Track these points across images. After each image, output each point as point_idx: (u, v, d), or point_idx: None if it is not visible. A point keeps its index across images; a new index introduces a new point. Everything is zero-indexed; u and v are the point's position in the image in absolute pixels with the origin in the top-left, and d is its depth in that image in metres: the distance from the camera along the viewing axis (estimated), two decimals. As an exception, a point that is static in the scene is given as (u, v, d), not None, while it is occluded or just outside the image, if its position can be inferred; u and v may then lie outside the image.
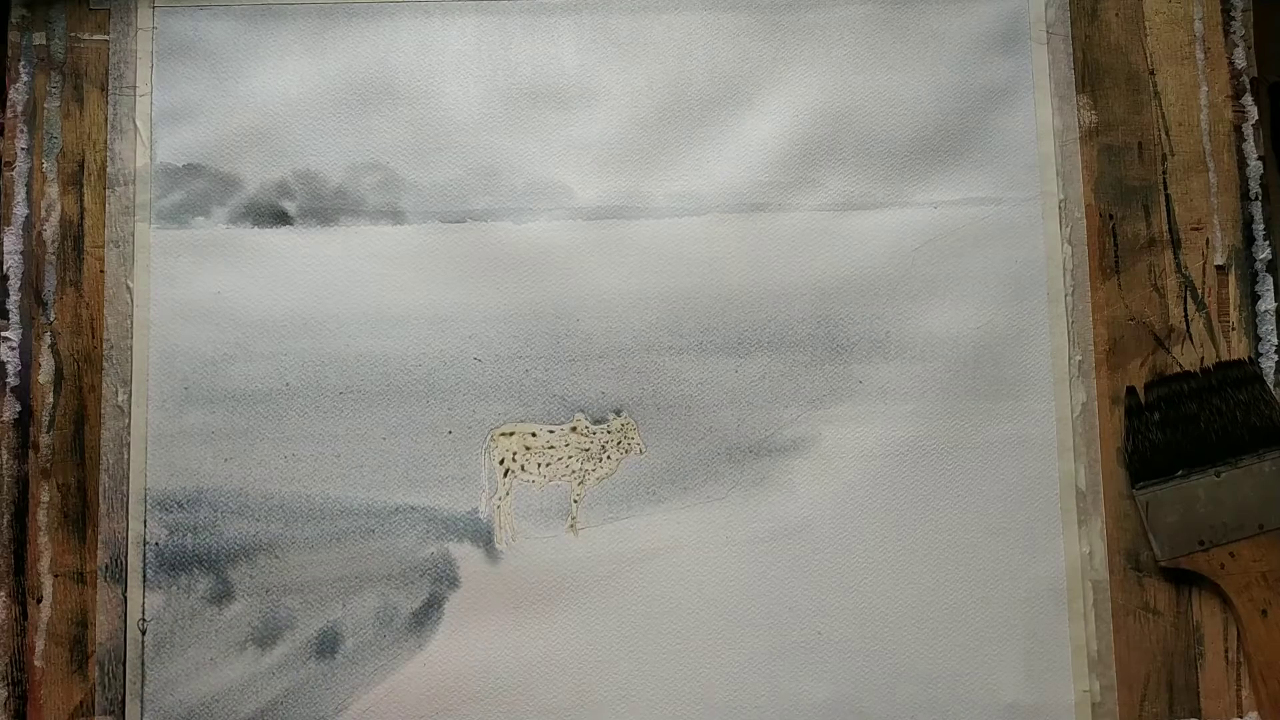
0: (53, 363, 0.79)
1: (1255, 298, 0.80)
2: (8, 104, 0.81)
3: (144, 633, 0.77)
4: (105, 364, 0.79)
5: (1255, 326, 0.80)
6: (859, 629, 0.77)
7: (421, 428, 0.79)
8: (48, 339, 0.79)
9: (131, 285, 0.80)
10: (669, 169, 0.81)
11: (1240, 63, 0.81)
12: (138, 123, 0.81)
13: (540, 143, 0.81)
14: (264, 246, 0.80)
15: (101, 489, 0.78)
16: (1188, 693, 0.77)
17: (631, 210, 0.81)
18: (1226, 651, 0.77)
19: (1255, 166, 0.80)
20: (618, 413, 0.79)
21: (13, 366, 0.79)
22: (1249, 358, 0.79)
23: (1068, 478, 0.78)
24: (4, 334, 0.79)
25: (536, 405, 0.80)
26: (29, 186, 0.80)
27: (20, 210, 0.80)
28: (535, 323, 0.80)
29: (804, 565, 0.78)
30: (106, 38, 0.81)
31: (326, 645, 0.77)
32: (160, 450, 0.78)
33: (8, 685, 0.77)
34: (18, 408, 0.79)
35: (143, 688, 0.77)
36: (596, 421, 0.79)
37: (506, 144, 0.81)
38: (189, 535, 0.78)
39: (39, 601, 0.77)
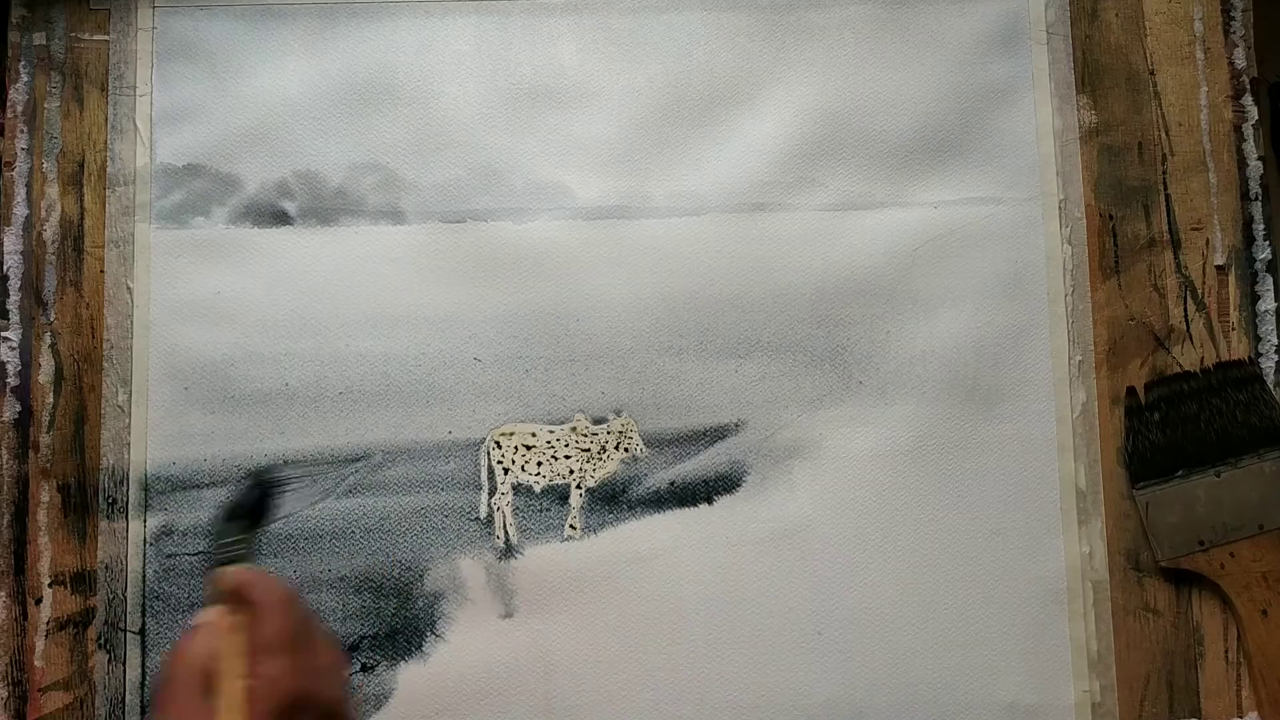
0: (53, 363, 0.79)
1: (1255, 298, 0.80)
2: (8, 104, 0.81)
3: (143, 634, 0.77)
4: (105, 364, 0.79)
5: (1255, 326, 0.80)
6: (859, 629, 0.77)
7: (421, 428, 0.79)
8: (48, 339, 0.79)
9: (131, 285, 0.80)
10: (669, 169, 0.81)
11: (1240, 63, 0.81)
12: (138, 123, 0.81)
13: (540, 143, 0.81)
14: (264, 246, 0.80)
15: (101, 489, 0.78)
16: (1188, 693, 0.77)
17: (631, 210, 0.81)
18: (1226, 651, 0.77)
19: (1255, 166, 0.80)
20: (618, 413, 0.79)
21: (13, 366, 0.79)
22: (1249, 358, 0.79)
23: (1068, 478, 0.78)
24: (4, 334, 0.79)
25: (536, 405, 0.80)
26: (29, 186, 0.80)
27: (20, 210, 0.80)
28: (535, 323, 0.80)
29: (804, 565, 0.78)
30: (106, 38, 0.81)
31: (326, 645, 0.77)
32: (160, 450, 0.78)
33: (8, 685, 0.77)
34: (18, 408, 0.79)
35: (143, 689, 0.77)
36: (596, 421, 0.79)
37: (506, 144, 0.81)
38: (189, 535, 0.78)
39: (39, 602, 0.77)
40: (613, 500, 0.79)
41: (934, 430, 0.79)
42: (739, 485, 0.79)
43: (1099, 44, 0.82)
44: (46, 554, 0.77)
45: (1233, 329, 0.79)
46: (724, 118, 0.81)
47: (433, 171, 0.81)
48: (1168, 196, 0.80)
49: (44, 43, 0.81)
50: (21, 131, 0.81)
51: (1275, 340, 0.79)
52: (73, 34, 0.81)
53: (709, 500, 0.78)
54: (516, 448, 0.79)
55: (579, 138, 0.81)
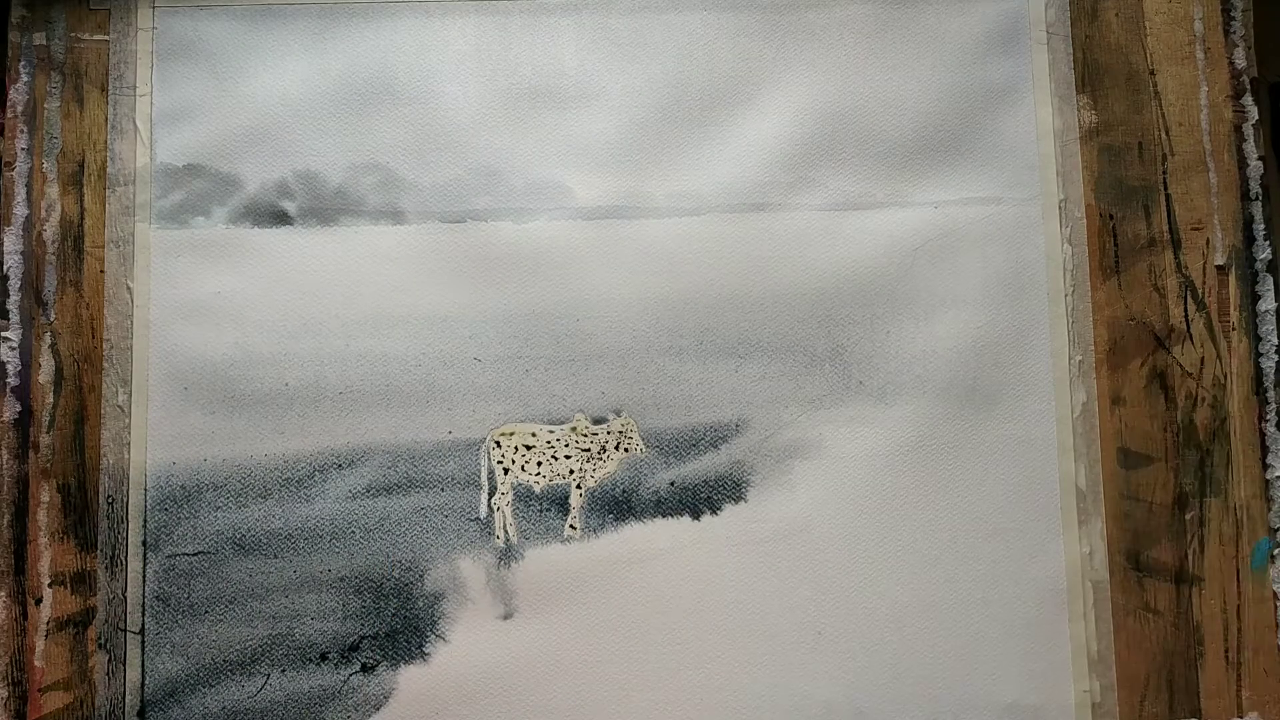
0: (53, 363, 0.79)
1: (1255, 298, 0.80)
2: (8, 104, 0.81)
3: (143, 634, 0.77)
4: (105, 364, 0.79)
5: (1255, 326, 0.79)
6: (859, 629, 0.77)
7: (421, 428, 0.79)
8: (48, 339, 0.79)
9: (131, 285, 0.80)
10: (669, 169, 0.81)
11: (1240, 63, 0.81)
12: (138, 123, 0.81)
13: (540, 143, 0.81)
14: (264, 246, 0.80)
15: (101, 489, 0.78)
16: (1188, 693, 0.77)
17: (631, 210, 0.81)
18: (1226, 651, 0.77)
19: (1255, 166, 0.80)
20: (618, 413, 0.79)
21: (13, 366, 0.79)
22: None
23: (1068, 478, 0.78)
24: (4, 334, 0.79)
25: (536, 405, 0.80)
26: (29, 186, 0.80)
27: (20, 210, 0.80)
28: (535, 323, 0.80)
29: (804, 566, 0.78)
30: (106, 38, 0.81)
31: (326, 645, 0.77)
32: (160, 450, 0.78)
33: (8, 685, 0.77)
34: (18, 408, 0.79)
35: (143, 689, 0.77)
36: (596, 421, 0.79)
37: (506, 144, 0.81)
38: (188, 535, 0.78)
39: (39, 602, 0.77)
40: (613, 501, 0.79)
41: (934, 430, 0.79)
42: (739, 485, 0.79)
43: (1099, 44, 0.82)
44: (46, 554, 0.77)
45: (1233, 329, 0.79)
46: (724, 118, 0.81)
47: (433, 171, 0.81)
48: (1168, 196, 0.80)
49: (44, 43, 0.81)
50: (21, 131, 0.81)
51: (1275, 340, 0.79)
52: (73, 34, 0.81)
53: (709, 500, 0.78)
54: (516, 448, 0.79)
55: (579, 138, 0.81)
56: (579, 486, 0.79)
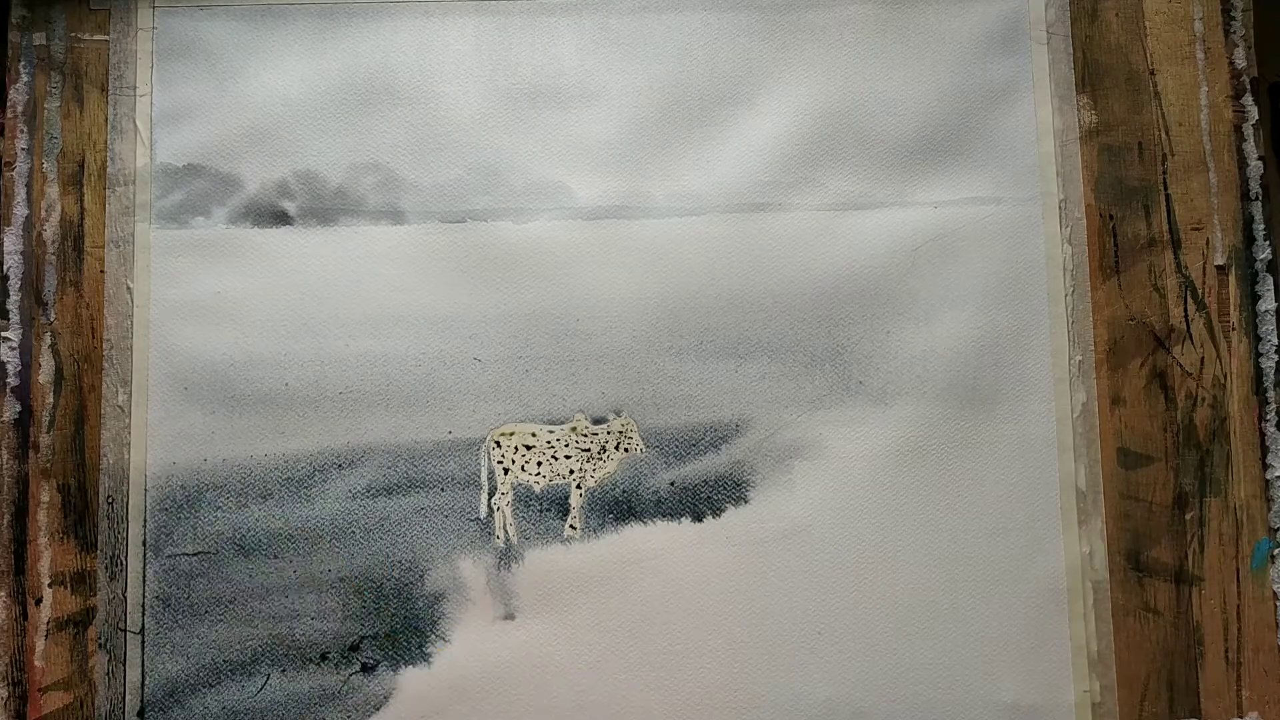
0: (53, 363, 0.79)
1: (1255, 298, 0.80)
2: (8, 104, 0.81)
3: (143, 634, 0.77)
4: (105, 364, 0.79)
5: (1255, 326, 0.79)
6: (859, 629, 0.77)
7: (421, 428, 0.79)
8: (48, 339, 0.79)
9: (131, 285, 0.80)
10: (669, 169, 0.81)
11: (1240, 63, 0.81)
12: (138, 123, 0.81)
13: (540, 143, 0.81)
14: (264, 246, 0.80)
15: (101, 489, 0.78)
16: (1188, 693, 0.77)
17: (631, 210, 0.81)
18: (1226, 651, 0.77)
19: (1255, 166, 0.80)
20: (618, 413, 0.79)
21: (13, 366, 0.79)
22: None
23: (1068, 478, 0.78)
24: (4, 334, 0.79)
25: (536, 405, 0.80)
26: (29, 186, 0.80)
27: (20, 210, 0.80)
28: (535, 323, 0.80)
29: (804, 566, 0.78)
30: (106, 38, 0.81)
31: (326, 645, 0.77)
32: (160, 450, 0.78)
33: (8, 685, 0.77)
34: (18, 408, 0.79)
35: (143, 689, 0.77)
36: (596, 421, 0.79)
37: (506, 144, 0.81)
38: (188, 536, 0.78)
39: (39, 602, 0.77)
40: (613, 502, 0.79)
41: (934, 430, 0.79)
42: (740, 486, 0.79)
43: (1099, 44, 0.82)
44: (46, 554, 0.77)
45: (1233, 329, 0.79)
46: (724, 118, 0.81)
47: (433, 171, 0.81)
48: (1168, 196, 0.80)
49: (44, 43, 0.81)
50: (21, 131, 0.81)
51: (1275, 340, 0.79)
52: (73, 34, 0.81)
53: (709, 501, 0.78)
54: (516, 448, 0.79)
55: (579, 138, 0.81)
56: (579, 486, 0.79)
